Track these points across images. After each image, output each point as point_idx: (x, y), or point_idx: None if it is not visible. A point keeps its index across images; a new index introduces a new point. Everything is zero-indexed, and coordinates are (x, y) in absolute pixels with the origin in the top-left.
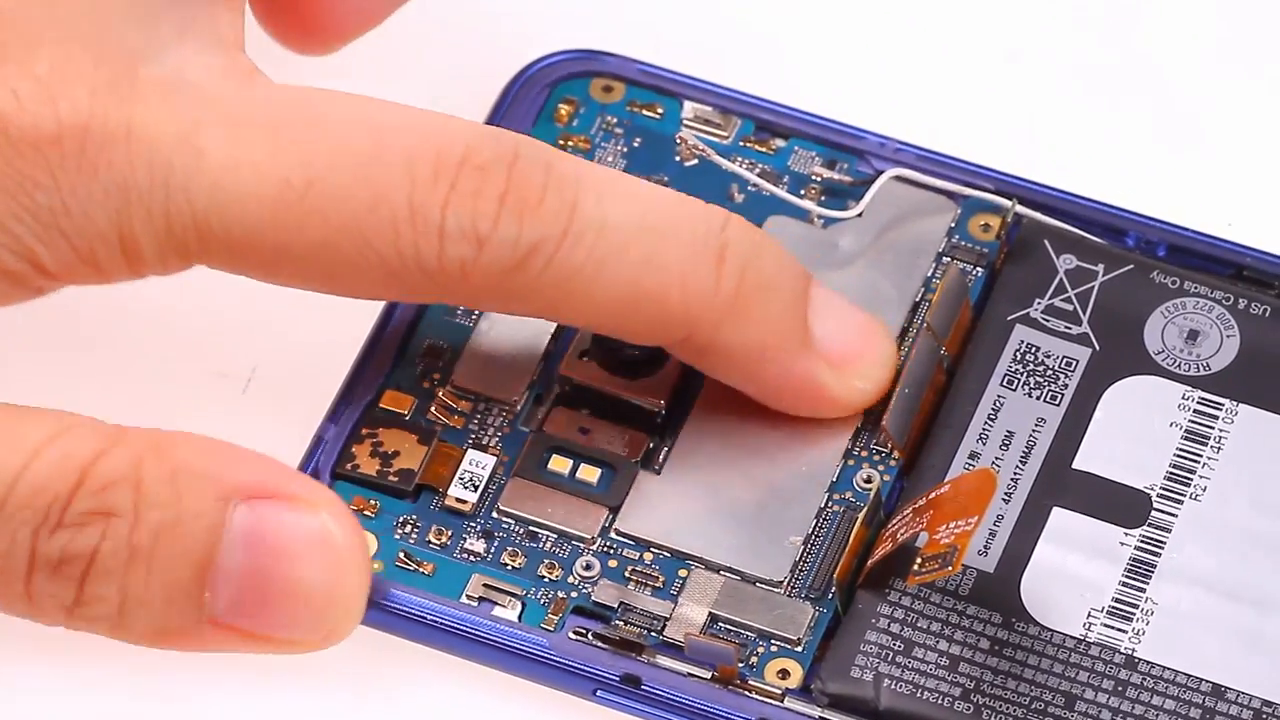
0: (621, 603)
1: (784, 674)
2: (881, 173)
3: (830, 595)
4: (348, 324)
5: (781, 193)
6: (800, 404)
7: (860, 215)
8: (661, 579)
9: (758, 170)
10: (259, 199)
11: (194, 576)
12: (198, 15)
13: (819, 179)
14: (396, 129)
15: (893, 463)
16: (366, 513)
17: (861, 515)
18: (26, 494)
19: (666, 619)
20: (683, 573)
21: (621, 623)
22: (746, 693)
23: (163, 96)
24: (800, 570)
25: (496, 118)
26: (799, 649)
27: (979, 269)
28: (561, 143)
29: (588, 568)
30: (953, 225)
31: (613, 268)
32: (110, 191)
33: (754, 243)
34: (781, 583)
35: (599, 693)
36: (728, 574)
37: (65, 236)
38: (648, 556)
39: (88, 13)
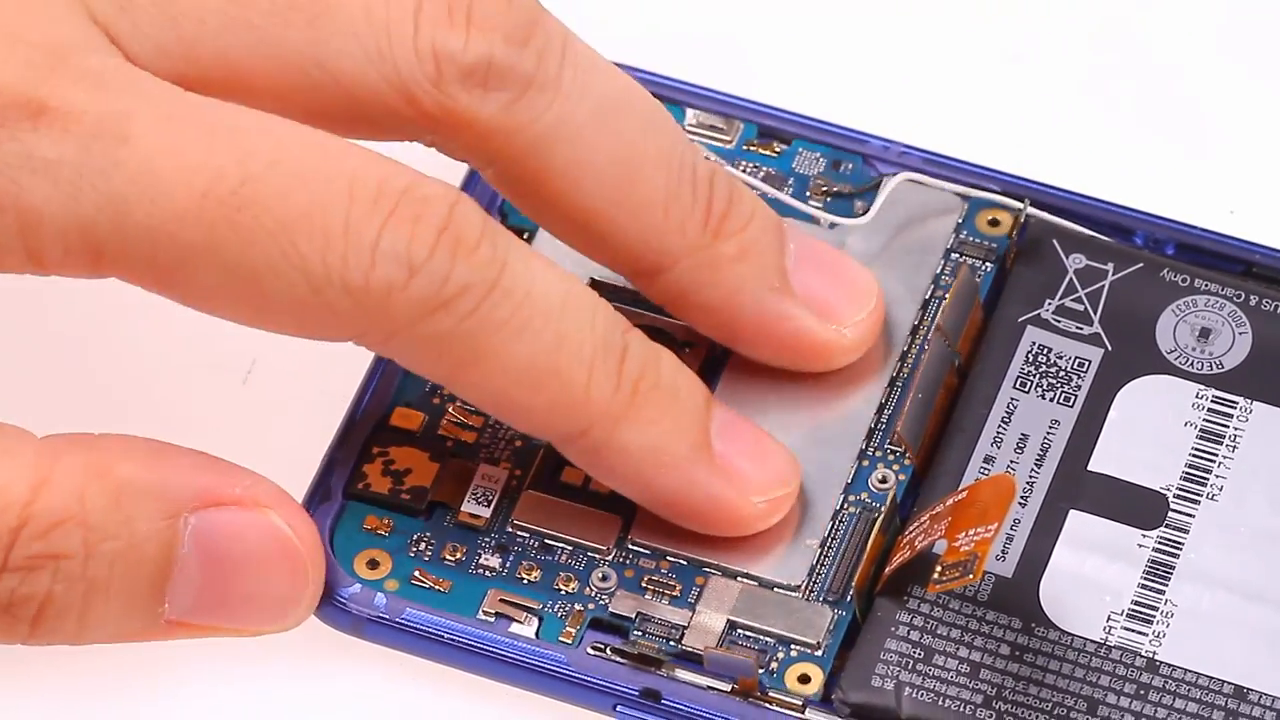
0: (639, 613)
1: (804, 679)
2: (886, 175)
3: (849, 599)
4: None
5: (786, 198)
6: (702, 522)
7: (869, 220)
8: (678, 587)
9: (762, 174)
10: (188, 188)
11: (152, 592)
12: None
13: (824, 186)
14: (342, 151)
15: (908, 461)
16: (380, 531)
17: (878, 522)
18: None
19: (685, 628)
20: (699, 580)
21: (640, 634)
22: (767, 704)
23: (93, 82)
24: (818, 574)
25: None
26: (819, 653)
27: (988, 264)
28: None
29: (604, 579)
30: (960, 221)
31: (531, 336)
32: (11, 163)
33: (654, 351)
34: (799, 587)
35: (619, 708)
36: (745, 580)
37: None
38: (664, 565)
39: (19, 8)
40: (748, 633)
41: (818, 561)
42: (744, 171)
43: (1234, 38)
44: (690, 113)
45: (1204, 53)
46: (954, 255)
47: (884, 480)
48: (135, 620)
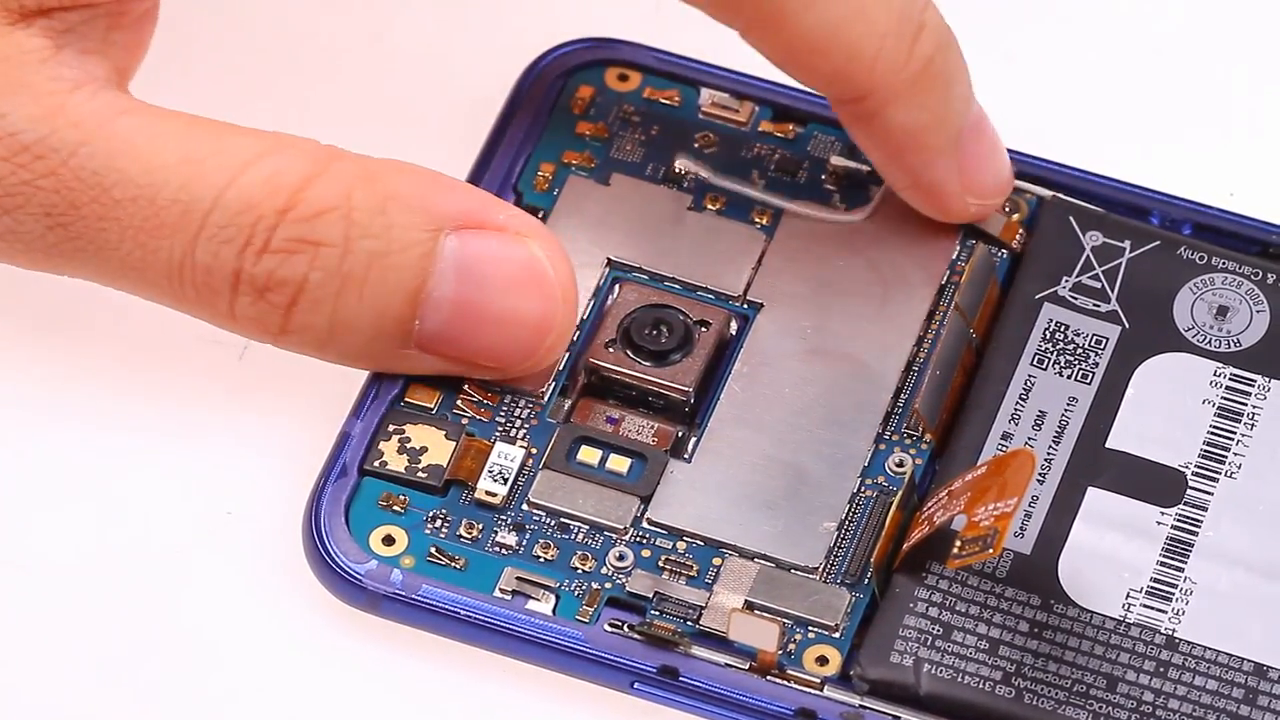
0: (656, 593)
1: (822, 660)
2: None
3: (867, 580)
4: None
5: (793, 206)
6: (919, 198)
7: (867, 219)
8: (696, 568)
9: (777, 156)
10: None
11: (405, 304)
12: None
13: (836, 169)
14: None
15: (924, 445)
16: (395, 508)
17: (896, 499)
18: (231, 210)
19: (702, 608)
20: (717, 561)
21: (657, 614)
22: (785, 682)
23: None
24: (835, 556)
25: (512, 108)
26: (837, 635)
27: (1004, 252)
28: (579, 131)
29: (621, 558)
30: None
31: (823, 5)
32: None
33: (947, 34)
34: (817, 569)
35: (636, 685)
36: (762, 561)
37: None
38: (681, 545)
39: None
40: (765, 614)
41: (835, 543)
42: (758, 153)
43: (1234, 20)
44: (705, 93)
45: (1203, 35)
46: (970, 242)
47: (901, 464)
48: (384, 334)
